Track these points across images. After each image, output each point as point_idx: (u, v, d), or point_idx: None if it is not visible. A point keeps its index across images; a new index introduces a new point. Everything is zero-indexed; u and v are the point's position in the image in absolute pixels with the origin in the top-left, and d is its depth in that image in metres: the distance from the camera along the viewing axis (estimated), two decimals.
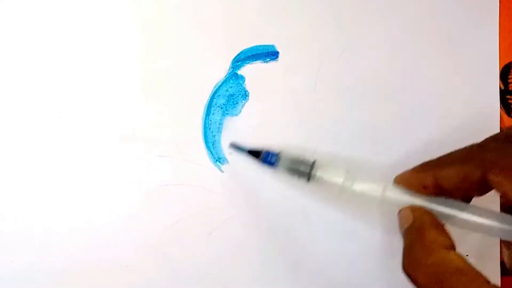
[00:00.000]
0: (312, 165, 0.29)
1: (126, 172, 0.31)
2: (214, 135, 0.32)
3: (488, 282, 0.23)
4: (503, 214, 0.26)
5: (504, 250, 0.27)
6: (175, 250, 0.32)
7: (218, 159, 0.32)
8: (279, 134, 0.33)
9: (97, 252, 0.31)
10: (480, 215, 0.26)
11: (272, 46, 0.32)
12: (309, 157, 0.29)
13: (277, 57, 0.33)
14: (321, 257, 0.35)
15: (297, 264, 0.34)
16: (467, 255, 0.24)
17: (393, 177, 0.28)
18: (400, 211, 0.27)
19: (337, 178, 0.28)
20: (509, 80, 0.36)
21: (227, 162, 0.32)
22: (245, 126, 0.33)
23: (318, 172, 0.29)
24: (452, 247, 0.25)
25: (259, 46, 0.32)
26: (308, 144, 0.34)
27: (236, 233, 0.33)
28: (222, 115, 0.32)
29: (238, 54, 0.32)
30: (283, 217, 0.34)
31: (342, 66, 0.34)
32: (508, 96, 0.36)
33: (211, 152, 0.32)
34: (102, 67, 0.30)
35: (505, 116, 0.36)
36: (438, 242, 0.25)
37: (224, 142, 0.32)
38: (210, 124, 0.32)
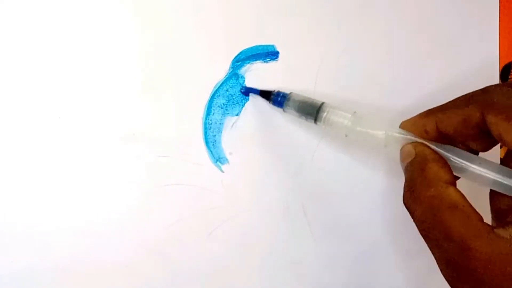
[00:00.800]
0: (320, 106, 0.30)
1: (126, 172, 0.31)
2: (214, 135, 0.32)
3: (481, 219, 0.23)
4: (502, 167, 0.26)
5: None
6: (175, 250, 0.32)
7: (218, 159, 0.32)
8: (279, 134, 0.33)
9: (97, 252, 0.31)
10: (480, 166, 0.26)
11: (272, 46, 0.32)
12: (318, 100, 0.30)
13: (277, 57, 0.33)
14: (321, 257, 0.35)
15: (297, 264, 0.34)
16: None
17: (398, 122, 0.29)
18: (402, 147, 0.28)
19: (343, 120, 0.29)
20: (509, 80, 0.36)
21: (227, 162, 0.32)
22: (245, 126, 0.33)
23: (325, 114, 0.30)
24: (452, 182, 0.25)
25: (259, 46, 0.32)
26: (308, 144, 0.34)
27: (236, 233, 0.33)
28: (222, 115, 0.32)
29: (238, 54, 0.32)
30: (283, 217, 0.34)
31: (342, 66, 0.34)
32: None
33: (211, 152, 0.32)
34: (102, 67, 0.30)
35: None
36: (438, 177, 0.25)
37: (224, 142, 0.32)
38: (210, 124, 0.32)
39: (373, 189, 0.35)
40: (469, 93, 0.27)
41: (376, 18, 0.34)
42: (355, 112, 0.29)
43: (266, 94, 0.32)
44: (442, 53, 0.35)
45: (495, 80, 0.36)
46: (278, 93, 0.31)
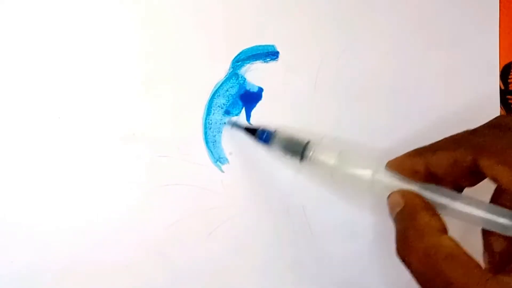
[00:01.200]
0: (306, 145, 0.29)
1: (126, 172, 0.31)
2: (214, 135, 0.32)
3: (479, 266, 0.23)
4: (491, 204, 0.26)
5: (484, 252, 0.28)
6: (175, 250, 0.32)
7: (219, 159, 0.32)
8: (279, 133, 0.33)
9: (97, 252, 0.31)
10: (469, 204, 0.26)
11: (272, 46, 0.32)
12: (304, 138, 0.30)
13: (277, 57, 0.33)
14: (321, 257, 0.35)
15: (297, 264, 0.34)
16: None
17: (385, 162, 0.28)
18: (389, 195, 0.27)
19: (329, 159, 0.29)
20: (509, 80, 0.36)
21: (227, 162, 0.32)
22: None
23: (311, 153, 0.29)
24: (444, 230, 0.25)
25: (259, 46, 0.32)
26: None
27: (236, 233, 0.33)
28: (222, 115, 0.32)
29: (238, 54, 0.32)
30: (283, 217, 0.34)
31: (342, 66, 0.34)
32: (508, 96, 0.36)
33: (211, 152, 0.32)
34: (102, 67, 0.30)
35: None
36: (431, 226, 0.25)
37: (224, 142, 0.32)
38: (211, 124, 0.32)
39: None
40: (458, 135, 0.27)
41: (376, 18, 0.34)
42: (341, 152, 0.29)
43: (251, 131, 0.31)
44: (442, 53, 0.35)
45: (495, 80, 0.36)
46: (263, 131, 0.31)
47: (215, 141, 0.32)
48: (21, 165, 0.30)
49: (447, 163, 0.26)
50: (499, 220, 0.25)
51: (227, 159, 0.32)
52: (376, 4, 0.34)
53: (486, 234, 0.27)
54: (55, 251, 0.31)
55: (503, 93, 0.36)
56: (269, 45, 0.32)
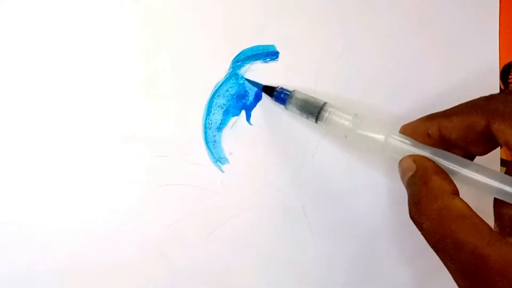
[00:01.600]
0: (322, 106, 0.30)
1: (126, 172, 0.31)
2: (215, 135, 0.32)
3: (490, 228, 0.23)
4: (502, 174, 0.26)
5: (494, 222, 0.28)
6: (175, 250, 0.32)
7: (219, 159, 0.32)
8: (279, 134, 0.33)
9: (97, 252, 0.31)
10: (480, 172, 0.26)
11: (272, 46, 0.32)
12: (321, 100, 0.30)
13: (277, 57, 0.33)
14: (321, 257, 0.35)
15: (297, 264, 0.34)
16: None
17: (399, 126, 0.29)
18: (401, 160, 0.28)
19: (344, 121, 0.29)
20: (509, 80, 0.36)
21: (228, 162, 0.32)
22: (245, 126, 0.33)
23: (327, 114, 0.30)
24: (456, 193, 0.25)
25: (259, 46, 0.32)
26: (308, 145, 0.34)
27: (236, 233, 0.33)
28: (222, 115, 0.32)
29: (238, 54, 0.32)
30: (283, 217, 0.34)
31: (342, 66, 0.34)
32: None
33: (211, 152, 0.32)
34: (102, 67, 0.30)
35: None
36: (443, 188, 0.25)
37: (224, 142, 0.32)
38: (211, 124, 0.32)
39: (373, 188, 0.35)
40: (473, 100, 0.27)
41: (376, 18, 0.34)
42: (356, 114, 0.29)
43: (269, 90, 0.32)
44: (442, 53, 0.35)
45: (495, 80, 0.36)
46: (281, 90, 0.31)
47: (215, 141, 0.32)
48: (21, 165, 0.30)
49: (461, 127, 0.26)
50: (510, 190, 0.25)
51: (227, 159, 0.32)
52: (376, 4, 0.34)
53: (497, 203, 0.27)
54: (55, 251, 0.31)
55: None
56: (269, 45, 0.32)
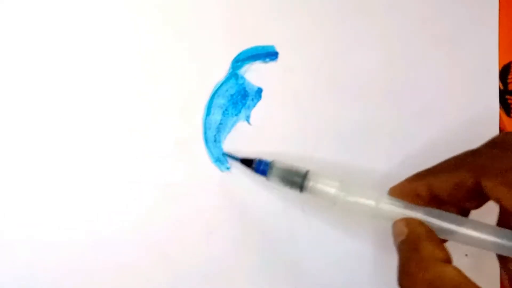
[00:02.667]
0: (305, 176, 0.29)
1: (126, 172, 0.31)
2: (214, 135, 0.32)
3: None
4: (500, 228, 0.25)
5: (502, 273, 0.27)
6: (175, 250, 0.32)
7: (219, 159, 0.32)
8: (279, 134, 0.33)
9: (97, 252, 0.31)
10: (476, 229, 0.25)
11: (272, 47, 0.32)
12: (302, 167, 0.29)
13: (276, 57, 0.33)
14: (321, 258, 0.35)
15: (297, 264, 0.34)
16: (466, 255, 0.24)
17: (387, 188, 0.28)
18: (394, 223, 0.27)
19: (330, 189, 0.28)
20: (508, 80, 0.36)
21: (227, 162, 0.32)
22: (245, 126, 0.33)
23: (310, 183, 0.29)
24: (448, 260, 0.24)
25: (259, 46, 0.32)
26: (307, 145, 0.34)
27: (236, 233, 0.33)
28: (222, 115, 0.32)
29: (238, 55, 0.32)
30: (284, 217, 0.34)
31: (342, 66, 0.34)
32: (508, 96, 0.36)
33: (211, 152, 0.32)
34: (102, 67, 0.30)
35: (505, 116, 0.36)
36: (434, 256, 0.24)
37: (224, 142, 0.32)
38: (210, 124, 0.32)
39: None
40: (459, 156, 0.26)
41: (376, 18, 0.34)
42: (342, 180, 0.28)
43: (247, 162, 0.31)
44: (441, 53, 0.35)
45: (495, 80, 0.36)
46: (260, 162, 0.30)
47: (215, 141, 0.32)
48: (21, 165, 0.30)
49: (450, 185, 0.25)
50: (508, 244, 0.24)
51: (226, 159, 0.32)
52: (376, 4, 0.34)
53: (502, 258, 0.27)
54: (55, 251, 0.31)
55: (503, 93, 0.36)
56: (269, 46, 0.32)
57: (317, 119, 0.34)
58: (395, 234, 0.26)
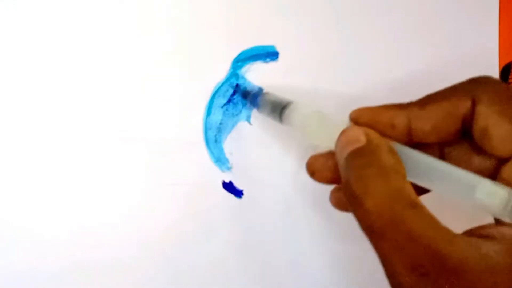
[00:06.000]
0: (286, 105, 0.28)
1: (126, 172, 0.31)
2: (215, 135, 0.32)
3: (439, 222, 0.21)
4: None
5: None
6: (175, 250, 0.32)
7: (219, 159, 0.32)
8: (279, 134, 0.33)
9: (97, 252, 0.31)
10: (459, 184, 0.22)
11: (272, 47, 0.32)
12: (290, 100, 0.28)
13: (277, 57, 0.33)
14: (321, 258, 0.35)
15: (297, 264, 0.34)
16: None
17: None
18: (344, 131, 0.24)
19: (303, 119, 0.27)
20: (509, 80, 0.36)
21: (228, 162, 0.33)
22: (246, 126, 0.33)
23: (287, 111, 0.27)
24: (405, 177, 0.22)
25: (259, 46, 0.32)
26: (308, 144, 0.34)
27: (236, 233, 0.33)
28: (222, 115, 0.32)
29: (239, 55, 0.32)
30: (284, 217, 0.34)
31: (342, 66, 0.34)
32: None
33: (211, 152, 0.32)
34: (101, 67, 0.30)
35: None
36: (396, 169, 0.22)
37: (225, 142, 0.32)
38: (211, 124, 0.32)
39: None
40: (457, 83, 0.24)
41: (376, 18, 0.34)
42: (314, 111, 0.27)
43: (244, 94, 0.31)
44: (441, 53, 0.35)
45: None
46: (255, 95, 0.30)
47: (215, 141, 0.32)
48: (21, 165, 0.30)
49: (438, 116, 0.23)
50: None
51: (227, 159, 0.33)
52: (376, 4, 0.34)
53: None
54: (55, 252, 0.31)
55: None
56: (269, 46, 0.32)
57: None
58: (348, 140, 0.23)
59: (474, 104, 0.23)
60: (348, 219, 0.35)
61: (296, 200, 0.34)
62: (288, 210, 0.34)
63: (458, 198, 0.22)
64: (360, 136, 0.23)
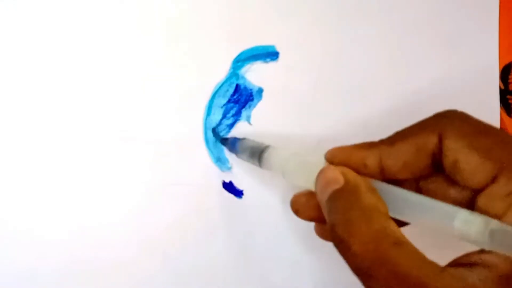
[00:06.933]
0: (263, 150, 0.28)
1: (126, 172, 0.31)
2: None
3: (427, 258, 0.21)
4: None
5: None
6: (175, 250, 0.32)
7: (219, 159, 0.32)
8: (279, 134, 0.33)
9: (97, 252, 0.31)
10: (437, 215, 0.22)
11: (272, 47, 0.32)
12: (267, 144, 0.29)
13: (277, 57, 0.33)
14: (321, 257, 0.35)
15: (298, 264, 0.34)
16: None
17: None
18: (321, 171, 0.24)
19: (279, 164, 0.27)
20: (509, 80, 0.36)
21: (228, 162, 0.33)
22: (246, 126, 0.33)
23: (265, 154, 0.28)
24: (388, 215, 0.22)
25: (259, 46, 0.32)
26: (308, 145, 0.34)
27: (236, 233, 0.33)
28: (222, 115, 0.32)
29: (239, 55, 0.32)
30: (284, 217, 0.34)
31: (342, 66, 0.34)
32: (508, 96, 0.36)
33: (211, 152, 0.32)
34: (101, 67, 0.30)
35: (505, 116, 0.36)
36: (378, 209, 0.22)
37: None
38: (211, 124, 0.32)
39: None
40: (423, 119, 0.25)
41: (376, 18, 0.34)
42: (289, 155, 0.27)
43: (223, 142, 0.31)
44: (441, 54, 0.35)
45: (495, 80, 0.36)
46: (233, 140, 0.31)
47: (215, 141, 0.32)
48: (21, 165, 0.30)
49: (408, 153, 0.23)
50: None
51: (227, 159, 0.33)
52: (376, 4, 0.34)
53: None
54: (55, 252, 0.31)
55: (503, 93, 0.36)
56: (269, 46, 0.32)
57: (317, 119, 0.34)
58: (327, 181, 0.24)
59: (441, 140, 0.23)
60: None
61: None
62: (288, 210, 0.34)
63: (438, 229, 0.22)
64: (337, 176, 0.23)
